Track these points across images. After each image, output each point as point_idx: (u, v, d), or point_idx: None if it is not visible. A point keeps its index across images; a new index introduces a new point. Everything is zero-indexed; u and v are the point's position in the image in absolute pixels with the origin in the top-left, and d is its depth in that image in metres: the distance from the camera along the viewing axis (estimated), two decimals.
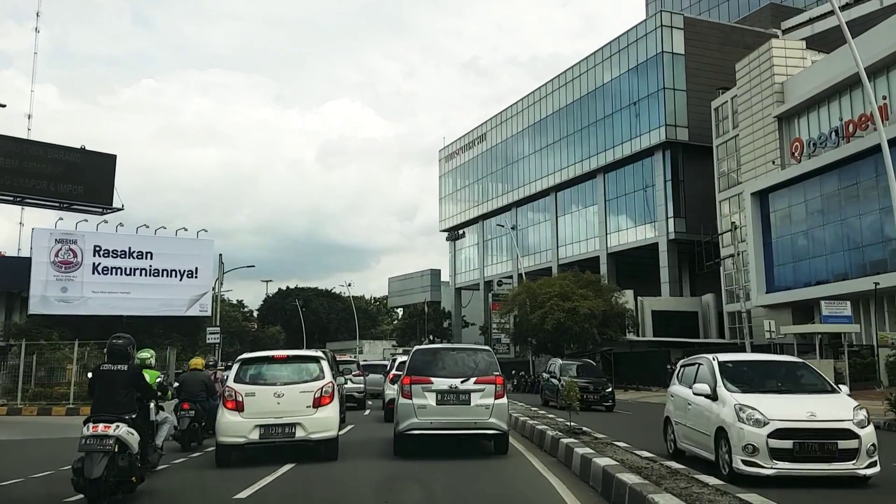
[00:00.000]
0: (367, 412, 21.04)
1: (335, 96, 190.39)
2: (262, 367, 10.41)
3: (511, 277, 58.20)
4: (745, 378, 9.19)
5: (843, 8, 43.20)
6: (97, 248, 40.18)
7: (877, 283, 28.21)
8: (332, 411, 10.07)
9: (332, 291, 79.91)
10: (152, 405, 8.71)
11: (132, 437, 7.20)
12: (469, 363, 10.69)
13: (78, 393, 22.92)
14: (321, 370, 10.33)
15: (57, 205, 34.02)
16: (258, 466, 9.50)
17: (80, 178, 33.03)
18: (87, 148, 33.86)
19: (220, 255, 39.52)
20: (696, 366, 9.93)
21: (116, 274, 40.58)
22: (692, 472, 7.31)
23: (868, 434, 7.87)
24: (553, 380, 23.45)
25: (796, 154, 35.63)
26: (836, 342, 29.91)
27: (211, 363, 18.45)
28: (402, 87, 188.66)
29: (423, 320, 68.07)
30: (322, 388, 10.05)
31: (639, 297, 44.95)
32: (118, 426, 7.05)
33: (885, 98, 30.73)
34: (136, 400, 7.58)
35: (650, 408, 21.56)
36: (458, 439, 10.86)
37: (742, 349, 29.95)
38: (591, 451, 8.71)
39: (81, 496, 6.90)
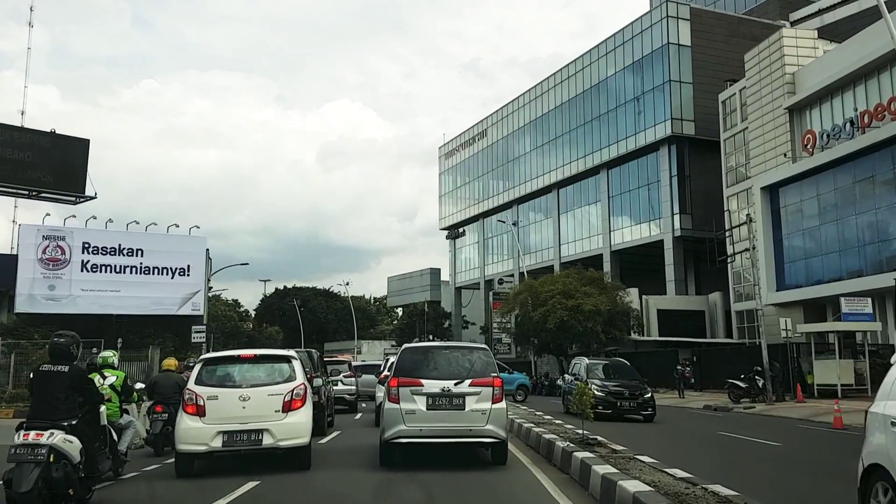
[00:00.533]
0: (359, 416, 19.81)
1: (335, 97, 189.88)
2: (226, 367, 9.54)
3: (512, 276, 57.09)
4: None
5: None
6: (86, 245, 39.07)
7: None
8: (303, 416, 9.22)
9: (331, 291, 78.87)
10: (102, 409, 8.10)
11: (70, 446, 6.66)
12: (464, 363, 9.59)
13: None
14: (292, 371, 9.45)
15: (25, 192, 31.76)
16: (226, 477, 8.65)
17: (49, 164, 30.77)
18: (57, 132, 31.84)
19: (207, 249, 38.09)
20: None
21: (106, 272, 39.48)
22: (746, 498, 5.94)
23: None
24: (579, 383, 20.80)
25: (808, 146, 34.40)
26: (850, 341, 28.66)
27: (191, 364, 17.30)
28: (402, 88, 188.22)
29: (422, 320, 67.04)
30: (293, 391, 9.16)
31: (644, 296, 43.82)
32: (52, 433, 6.53)
33: None
34: (78, 404, 7.08)
35: (661, 410, 20.24)
36: (451, 447, 9.73)
37: (755, 350, 28.65)
38: (613, 469, 7.37)
39: None
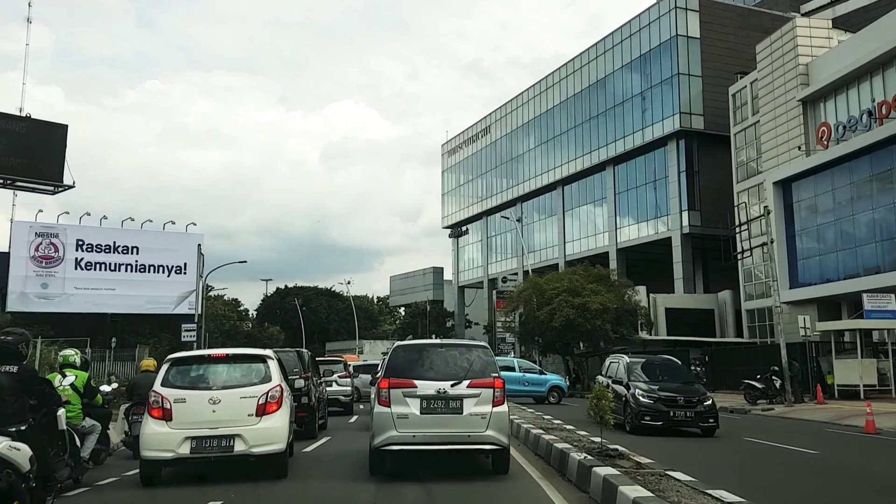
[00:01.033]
0: (354, 419, 18.77)
1: (338, 98, 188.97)
2: (196, 368, 8.77)
3: (516, 275, 56.05)
4: None
5: None
6: (80, 243, 38.17)
7: None
8: (278, 420, 8.47)
9: (333, 290, 77.99)
10: (61, 412, 7.49)
11: (18, 453, 6.11)
12: (461, 363, 8.63)
13: None
14: (268, 372, 8.67)
15: None
16: (193, 486, 7.92)
17: (24, 151, 29.72)
18: (33, 117, 30.84)
19: (200, 245, 37.11)
20: None
21: (100, 269, 38.59)
22: None
23: None
24: (619, 387, 15.54)
25: (823, 139, 33.27)
26: (867, 340, 27.54)
27: None
28: (406, 88, 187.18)
29: (425, 320, 66.11)
30: (268, 393, 8.38)
31: (651, 295, 42.75)
32: None
33: None
34: (30, 408, 6.64)
35: None
36: (447, 455, 8.73)
37: (769, 350, 27.52)
38: (646, 492, 6.16)
39: None
